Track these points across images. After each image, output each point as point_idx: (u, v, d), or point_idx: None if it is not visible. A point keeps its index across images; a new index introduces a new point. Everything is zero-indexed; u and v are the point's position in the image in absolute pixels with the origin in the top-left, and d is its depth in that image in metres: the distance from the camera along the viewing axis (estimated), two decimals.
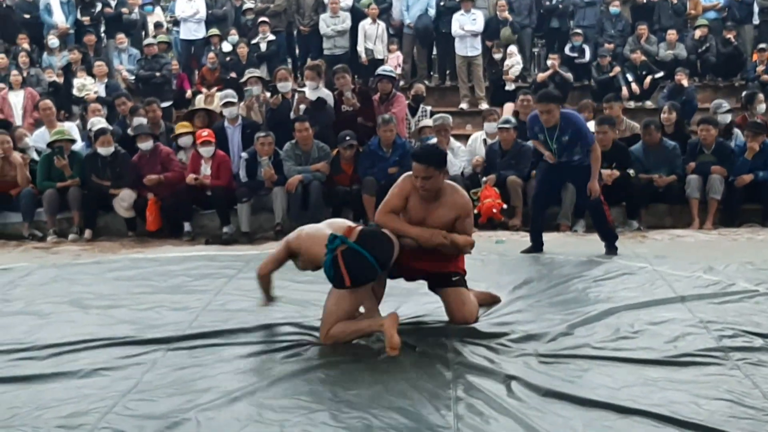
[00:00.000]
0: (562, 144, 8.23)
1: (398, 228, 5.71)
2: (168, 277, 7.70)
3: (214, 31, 15.42)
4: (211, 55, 14.87)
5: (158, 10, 17.38)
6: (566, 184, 9.35)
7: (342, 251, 5.37)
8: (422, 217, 5.77)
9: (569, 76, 14.39)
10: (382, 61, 14.67)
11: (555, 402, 4.60)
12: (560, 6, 15.77)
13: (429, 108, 12.40)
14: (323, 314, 5.60)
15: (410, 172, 5.80)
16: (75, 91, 13.83)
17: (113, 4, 16.01)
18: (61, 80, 14.29)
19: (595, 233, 8.75)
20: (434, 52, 16.13)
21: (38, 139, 11.57)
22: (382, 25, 15.16)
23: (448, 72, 15.85)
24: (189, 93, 14.71)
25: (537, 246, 8.58)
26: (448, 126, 11.12)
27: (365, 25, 15.08)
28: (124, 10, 16.06)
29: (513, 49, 14.71)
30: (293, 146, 10.62)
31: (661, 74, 14.56)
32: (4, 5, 16.15)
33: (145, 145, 10.68)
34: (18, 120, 13.05)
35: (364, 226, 5.72)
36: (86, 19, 15.69)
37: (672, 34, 15.02)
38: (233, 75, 14.46)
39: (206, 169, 10.59)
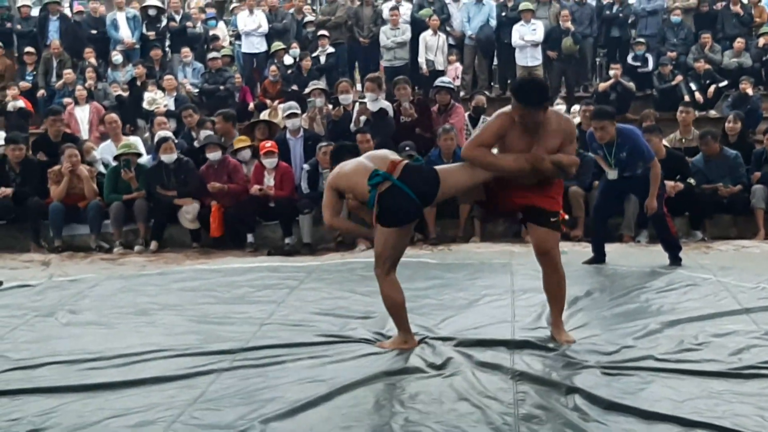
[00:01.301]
0: (621, 160, 8.21)
1: (489, 161, 5.48)
2: (231, 287, 7.80)
3: (278, 44, 15.58)
4: (273, 68, 15.03)
5: (221, 24, 17.61)
6: (629, 194, 9.28)
7: (384, 190, 5.37)
8: (525, 150, 5.48)
9: (631, 85, 14.27)
10: (442, 72, 14.70)
11: (618, 415, 4.57)
12: (621, 15, 15.66)
13: (490, 119, 12.36)
14: (374, 251, 5.67)
15: (507, 108, 5.62)
16: (145, 105, 14.07)
17: (178, 18, 16.27)
18: (126, 94, 14.57)
19: (659, 244, 8.68)
20: (495, 62, 16.12)
21: (104, 152, 11.79)
22: (442, 36, 15.20)
23: (509, 82, 15.81)
24: (251, 106, 14.87)
25: (599, 257, 8.53)
26: None
27: (426, 36, 15.12)
28: (189, 24, 16.32)
29: None
30: None
31: (725, 83, 14.37)
32: (72, 21, 16.51)
33: (214, 155, 10.82)
34: (84, 134, 13.31)
35: (409, 161, 5.57)
36: (151, 34, 15.97)
37: (738, 43, 14.82)
38: (295, 87, 14.60)
39: (269, 180, 10.69)
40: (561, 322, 5.91)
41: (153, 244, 10.54)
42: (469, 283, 7.69)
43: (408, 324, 5.79)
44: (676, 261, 8.31)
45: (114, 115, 12.27)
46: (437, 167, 5.61)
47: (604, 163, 8.42)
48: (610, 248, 8.73)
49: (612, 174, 8.36)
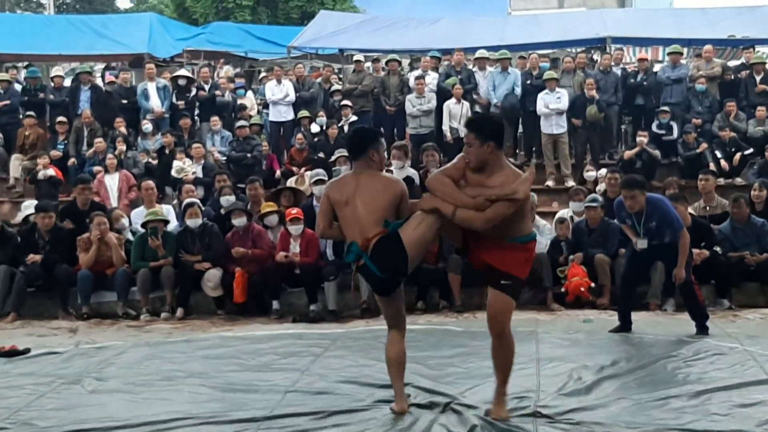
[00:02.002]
0: (650, 230, 8.21)
1: (447, 192, 5.45)
2: (256, 355, 7.82)
3: (304, 112, 15.81)
4: (300, 136, 15.21)
5: (249, 93, 17.90)
6: (655, 262, 9.25)
7: (360, 265, 5.58)
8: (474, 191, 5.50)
9: (657, 153, 14.31)
10: None
11: None
12: (645, 83, 15.75)
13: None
14: None
15: None
16: (174, 173, 14.24)
17: (207, 88, 16.54)
18: (155, 163, 14.78)
19: (686, 312, 8.63)
20: (520, 130, 16.22)
21: (136, 218, 11.92)
22: (466, 104, 15.34)
23: (533, 150, 15.90)
24: (278, 173, 15.01)
25: (625, 325, 8.49)
26: (533, 204, 11.12)
27: (450, 104, 15.27)
28: (218, 93, 16.58)
29: None
30: None
31: (750, 151, 14.37)
32: (104, 90, 16.82)
33: (239, 221, 10.93)
34: (113, 201, 13.47)
35: (383, 234, 5.56)
36: (181, 103, 16.22)
37: (761, 111, 14.84)
38: (321, 155, 14.75)
39: (295, 247, 10.76)
40: (501, 395, 5.80)
41: (179, 311, 10.60)
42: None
43: (400, 383, 5.91)
44: (703, 330, 8.26)
45: (151, 182, 12.45)
46: (401, 229, 5.61)
47: (632, 233, 8.42)
48: (636, 317, 8.68)
49: (641, 243, 8.33)
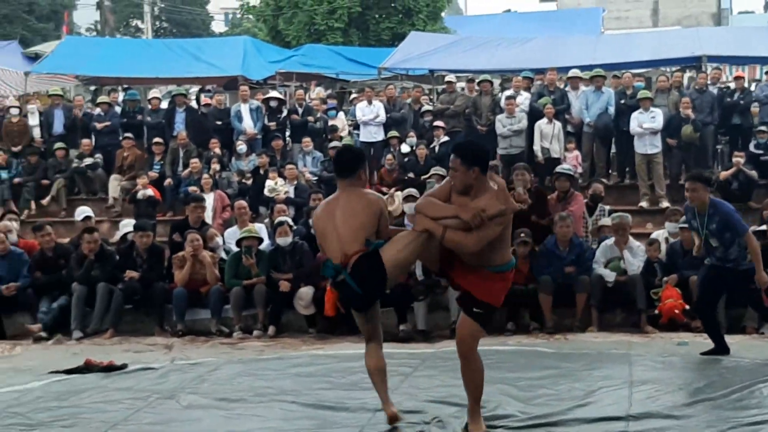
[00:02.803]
0: (711, 232, 8.08)
1: (435, 210, 5.59)
2: (347, 373, 7.87)
3: (394, 133, 15.91)
4: (389, 156, 15.30)
5: (341, 114, 18.09)
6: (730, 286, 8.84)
7: (338, 281, 5.69)
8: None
9: (754, 174, 13.98)
10: (558, 160, 14.69)
11: None
12: (742, 102, 15.43)
13: (607, 207, 12.28)
14: None
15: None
16: (266, 192, 14.48)
17: (300, 110, 16.78)
18: (249, 182, 15.04)
19: None
20: (613, 150, 16.03)
21: (230, 237, 12.12)
22: (558, 124, 15.23)
23: (627, 170, 15.69)
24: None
25: (720, 348, 8.31)
26: (626, 225, 10.98)
27: (541, 124, 15.18)
28: (310, 118, 16.79)
29: None
30: None
31: None
32: (199, 112, 17.20)
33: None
34: (208, 221, 13.71)
35: (363, 252, 5.66)
36: (272, 125, 16.49)
37: None
38: (411, 175, 14.81)
39: None
40: (475, 413, 5.91)
41: (271, 329, 10.72)
42: (585, 374, 7.59)
43: (385, 392, 6.13)
44: None
45: (243, 202, 12.69)
46: (382, 249, 5.68)
47: (696, 236, 8.33)
48: (733, 340, 8.51)
49: (698, 249, 8.23)
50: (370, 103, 16.67)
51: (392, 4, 29.10)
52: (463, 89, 17.57)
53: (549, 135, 15.13)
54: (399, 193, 13.62)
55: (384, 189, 14.77)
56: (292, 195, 14.32)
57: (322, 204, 6.13)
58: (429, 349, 9.18)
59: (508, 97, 15.66)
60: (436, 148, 15.61)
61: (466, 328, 5.82)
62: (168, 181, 15.57)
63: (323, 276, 10.62)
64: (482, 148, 5.95)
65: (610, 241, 10.77)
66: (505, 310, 10.30)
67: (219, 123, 16.69)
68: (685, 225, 10.62)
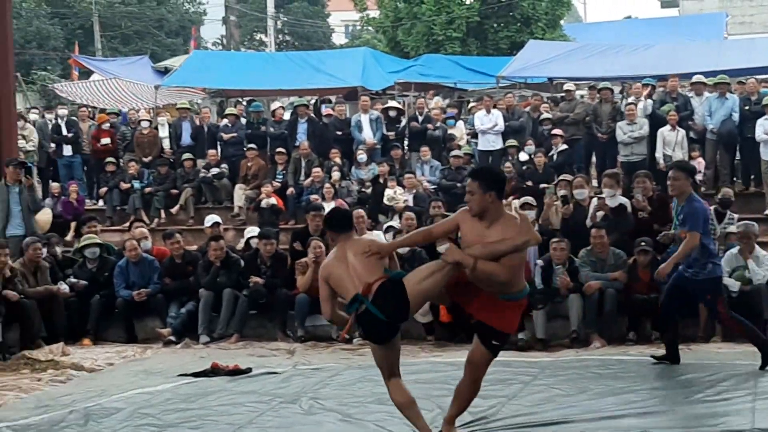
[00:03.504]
0: (679, 222, 8.17)
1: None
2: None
3: (512, 141, 15.90)
4: (507, 164, 15.30)
5: (460, 123, 18.16)
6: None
7: (361, 312, 5.66)
8: (474, 241, 5.75)
9: None
10: None
11: None
12: None
13: (736, 215, 12.01)
14: None
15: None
16: (386, 200, 14.68)
17: (420, 119, 16.94)
18: (369, 191, 15.26)
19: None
20: (737, 157, 15.66)
21: None
22: (681, 131, 14.97)
23: (752, 177, 15.30)
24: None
25: (673, 357, 8.39)
26: (752, 234, 10.71)
27: (664, 131, 14.94)
28: (429, 125, 16.93)
29: None
30: (588, 253, 10.67)
31: None
32: (320, 123, 17.54)
33: (444, 248, 11.05)
34: None
35: (385, 280, 5.72)
36: (391, 134, 16.69)
37: None
38: (529, 183, 14.78)
39: None
40: (452, 419, 6.14)
41: None
42: (708, 385, 7.46)
43: (422, 421, 6.01)
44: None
45: (361, 211, 12.86)
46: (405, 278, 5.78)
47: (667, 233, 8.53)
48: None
49: (681, 233, 8.19)
50: (488, 111, 16.70)
51: (511, 13, 29.02)
52: (582, 97, 17.43)
53: (672, 142, 14.89)
54: (516, 201, 13.61)
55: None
56: (411, 204, 14.47)
57: (328, 256, 6.18)
58: (548, 358, 9.16)
59: (628, 104, 15.47)
60: (555, 157, 15.53)
61: (480, 357, 5.98)
62: (290, 190, 15.92)
63: None
64: (499, 174, 6.15)
65: (735, 249, 10.54)
66: (626, 320, 10.21)
67: (339, 133, 16.98)
68: None
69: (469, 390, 6.07)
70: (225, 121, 18.12)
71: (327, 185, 15.00)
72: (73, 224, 15.53)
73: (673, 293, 8.46)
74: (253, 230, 12.75)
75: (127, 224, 14.23)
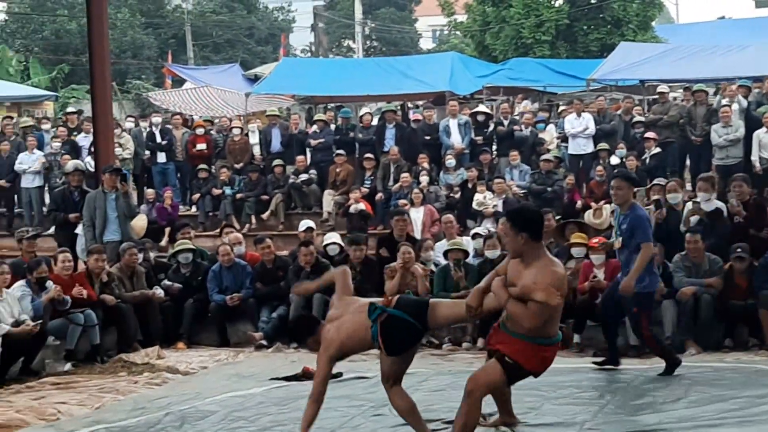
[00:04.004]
0: (622, 232, 8.16)
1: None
2: (556, 387, 7.84)
3: (603, 145, 15.70)
4: (599, 168, 15.11)
5: (550, 126, 18.01)
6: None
7: (384, 320, 5.77)
8: (511, 281, 5.76)
9: None
10: None
11: None
12: None
13: None
14: (381, 370, 6.22)
15: None
16: (475, 205, 14.64)
17: (506, 123, 16.86)
18: (458, 196, 15.23)
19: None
20: None
21: (439, 251, 12.29)
22: None
23: None
24: (579, 204, 14.94)
25: (612, 361, 8.54)
26: None
27: (761, 134, 14.60)
28: (516, 127, 16.83)
29: None
30: (683, 258, 10.46)
31: None
32: (408, 128, 17.57)
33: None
34: (417, 234, 13.96)
35: (401, 294, 5.90)
36: (479, 139, 16.64)
37: None
38: None
39: (600, 276, 10.62)
40: None
41: (480, 341, 10.79)
42: None
43: (423, 425, 6.14)
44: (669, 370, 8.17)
45: (450, 216, 12.88)
46: (432, 300, 6.01)
47: (602, 241, 8.67)
48: None
49: (617, 243, 8.28)
50: (579, 115, 16.54)
51: (601, 15, 28.67)
52: (676, 99, 17.13)
53: None
54: (608, 206, 13.46)
55: (592, 203, 14.61)
56: (500, 209, 14.39)
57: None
58: (642, 365, 9.01)
59: (723, 105, 15.14)
60: (647, 160, 15.29)
61: (487, 375, 5.92)
62: (379, 196, 16.00)
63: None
64: (534, 214, 5.96)
65: None
66: (723, 326, 9.99)
67: (428, 138, 16.99)
68: None
69: (464, 410, 5.93)
70: (314, 127, 18.31)
71: (415, 190, 15.01)
72: (167, 230, 15.88)
73: (608, 300, 8.64)
74: (331, 236, 12.78)
75: (218, 230, 14.45)
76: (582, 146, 16.37)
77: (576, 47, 28.44)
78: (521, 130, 16.85)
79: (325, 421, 7.07)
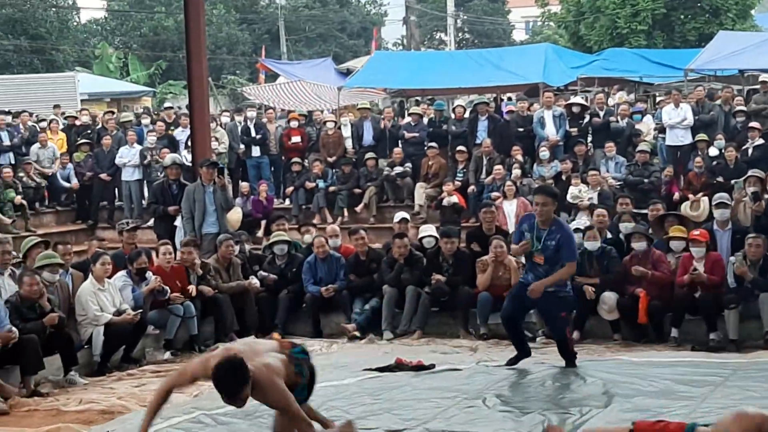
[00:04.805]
0: (546, 248, 7.96)
1: None
2: (655, 380, 7.73)
3: (702, 136, 15.36)
4: (698, 159, 14.79)
5: (647, 117, 17.70)
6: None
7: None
8: None
9: None
10: None
11: None
12: None
13: None
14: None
15: None
16: (569, 198, 14.48)
17: (601, 114, 16.63)
18: None
19: None
20: None
21: None
22: None
23: None
24: (676, 196, 14.66)
25: (523, 353, 8.59)
26: None
27: None
28: (612, 119, 16.60)
29: None
30: None
31: None
32: (501, 120, 17.46)
33: (639, 245, 10.83)
34: (511, 227, 13.87)
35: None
36: (574, 130, 16.44)
37: None
38: (720, 179, 14.23)
39: (699, 269, 10.42)
40: None
41: (575, 334, 10.69)
42: None
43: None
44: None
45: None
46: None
47: (521, 248, 8.26)
48: None
49: (537, 258, 8.08)
50: (677, 106, 16.22)
51: (699, 4, 28.06)
52: None
53: None
54: (705, 198, 13.19)
55: (690, 195, 14.31)
56: (595, 201, 14.21)
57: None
58: (742, 359, 8.81)
59: None
60: (750, 151, 14.91)
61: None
62: (471, 188, 15.95)
63: (629, 282, 10.56)
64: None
65: None
66: None
67: (521, 130, 16.87)
68: None
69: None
70: (408, 119, 18.32)
71: (508, 183, 14.93)
72: (262, 222, 16.12)
73: (515, 303, 8.50)
74: (427, 229, 12.78)
75: (298, 227, 14.46)
76: (680, 137, 16.06)
77: (673, 37, 27.91)
78: (617, 122, 16.60)
79: (419, 412, 7.11)
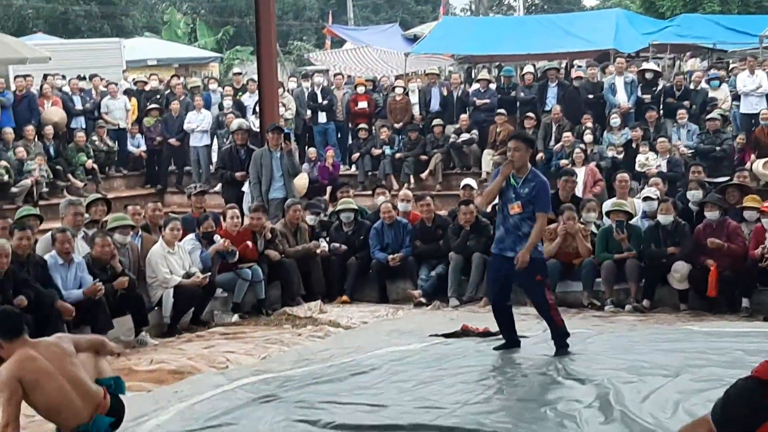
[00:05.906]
0: (519, 196, 7.70)
1: None
2: (723, 352, 7.61)
3: None
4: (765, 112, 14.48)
5: (724, 85, 17.32)
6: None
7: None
8: None
9: None
10: None
11: None
12: None
13: None
14: None
15: None
16: (637, 167, 14.25)
17: (674, 81, 16.33)
18: (621, 156, 14.86)
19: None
20: None
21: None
22: None
23: None
24: (748, 165, 14.34)
25: (512, 342, 8.16)
26: None
27: None
28: (691, 85, 16.25)
29: None
30: None
31: None
32: (570, 87, 17.23)
33: (712, 214, 10.62)
34: (579, 194, 13.71)
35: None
36: (647, 97, 16.16)
37: None
38: None
39: None
40: None
41: (645, 302, 10.57)
42: None
43: None
44: (560, 350, 7.78)
45: (625, 175, 12.53)
46: None
47: (497, 185, 7.85)
48: None
49: (515, 207, 7.73)
50: (752, 73, 15.86)
51: None
52: None
53: None
54: None
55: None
56: (663, 169, 13.97)
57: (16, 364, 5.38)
58: None
59: None
60: None
61: None
62: (540, 156, 15.78)
63: (702, 252, 10.35)
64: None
65: None
66: None
67: (591, 97, 16.64)
68: None
69: None
70: (476, 86, 18.18)
71: (577, 150, 14.74)
72: (329, 189, 16.17)
73: (497, 278, 8.16)
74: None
75: (371, 191, 14.50)
76: (754, 105, 15.72)
77: (748, 2, 27.27)
78: (692, 89, 16.26)
79: (489, 381, 7.09)
